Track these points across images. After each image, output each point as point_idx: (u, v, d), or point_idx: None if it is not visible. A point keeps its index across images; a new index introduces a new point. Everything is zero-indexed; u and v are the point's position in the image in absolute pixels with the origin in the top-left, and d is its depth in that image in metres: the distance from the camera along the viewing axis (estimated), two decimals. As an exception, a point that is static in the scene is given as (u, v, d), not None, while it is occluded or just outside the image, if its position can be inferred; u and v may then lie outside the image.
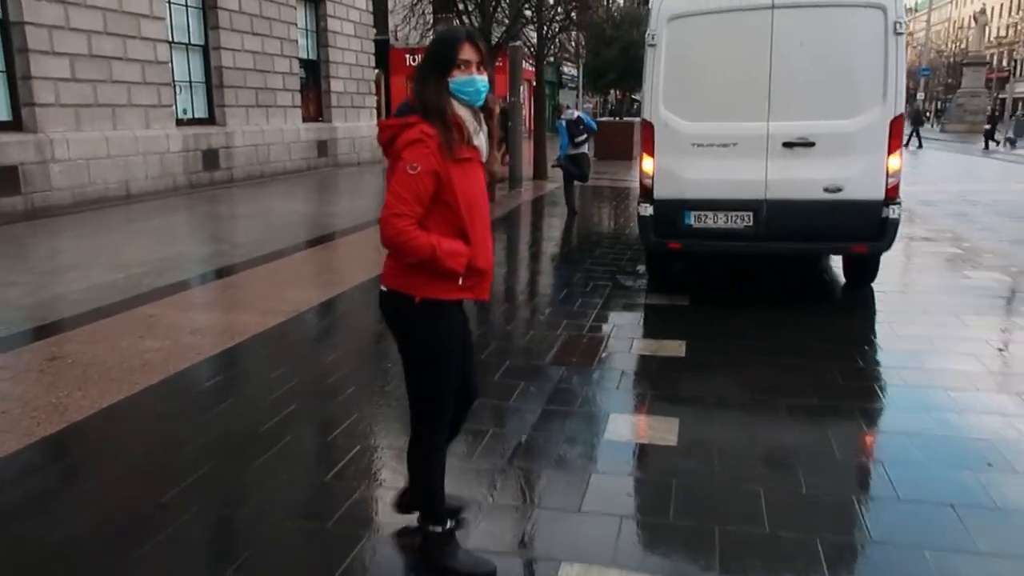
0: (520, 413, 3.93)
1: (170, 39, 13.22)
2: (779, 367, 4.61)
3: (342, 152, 19.09)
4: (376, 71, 28.28)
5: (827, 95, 5.71)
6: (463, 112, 2.29)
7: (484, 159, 2.40)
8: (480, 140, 2.35)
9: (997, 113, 33.95)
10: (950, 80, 61.67)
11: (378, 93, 30.53)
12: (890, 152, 5.70)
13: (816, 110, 5.74)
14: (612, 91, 38.10)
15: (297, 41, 17.17)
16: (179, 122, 13.54)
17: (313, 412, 3.93)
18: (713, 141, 5.93)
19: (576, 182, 11.28)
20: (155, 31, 12.60)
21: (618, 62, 27.86)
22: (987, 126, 29.49)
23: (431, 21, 13.26)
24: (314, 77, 18.44)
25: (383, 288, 2.40)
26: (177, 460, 3.34)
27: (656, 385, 4.41)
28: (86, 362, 4.61)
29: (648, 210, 6.19)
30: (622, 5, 32.66)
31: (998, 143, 28.78)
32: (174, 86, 13.44)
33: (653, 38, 6.01)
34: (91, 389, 4.18)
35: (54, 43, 10.57)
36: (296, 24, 17.11)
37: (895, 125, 5.67)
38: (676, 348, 5.02)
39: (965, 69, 47.39)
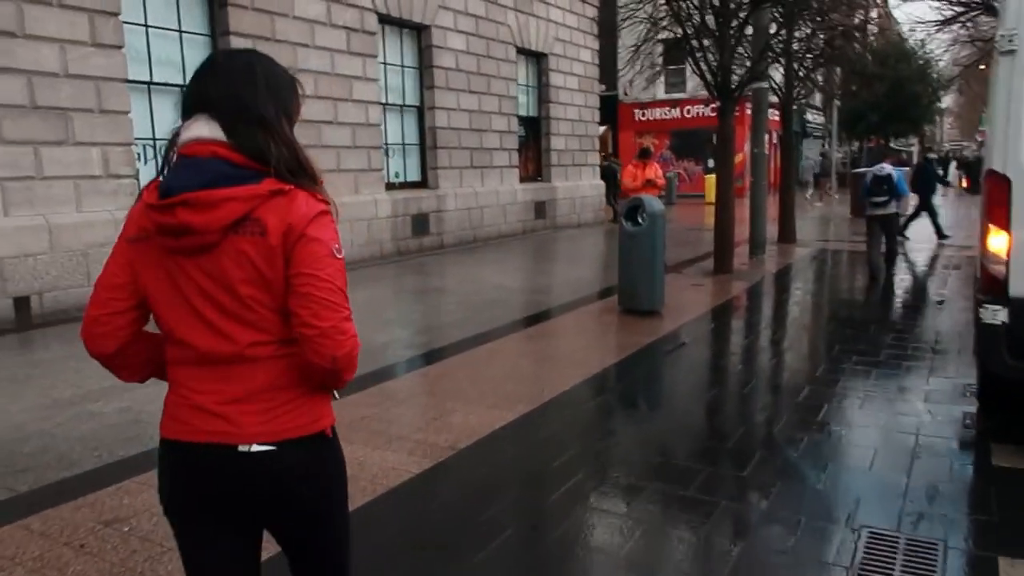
0: None
1: (383, 101, 12.72)
2: None
3: (561, 213, 17.81)
4: (604, 128, 27.21)
5: None
6: None
7: None
8: None
9: None
10: None
11: (604, 150, 29.47)
12: None
13: None
14: (866, 139, 33.85)
15: (516, 98, 16.28)
16: (389, 186, 12.95)
17: None
18: None
19: (884, 247, 9.86)
20: (368, 93, 12.12)
21: (884, 103, 24.04)
22: None
23: (659, 64, 11.55)
24: (534, 135, 17.45)
25: (267, 448, 1.53)
26: None
27: None
28: (143, 534, 3.27)
29: (997, 315, 3.83)
30: (873, 42, 28.70)
31: None
32: (385, 149, 12.90)
33: (1011, 40, 3.73)
34: (113, 598, 2.78)
35: (263, 109, 10.24)
36: (516, 80, 16.25)
37: None
38: (1099, 597, 2.66)
39: None
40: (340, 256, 1.54)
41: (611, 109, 29.00)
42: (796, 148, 19.21)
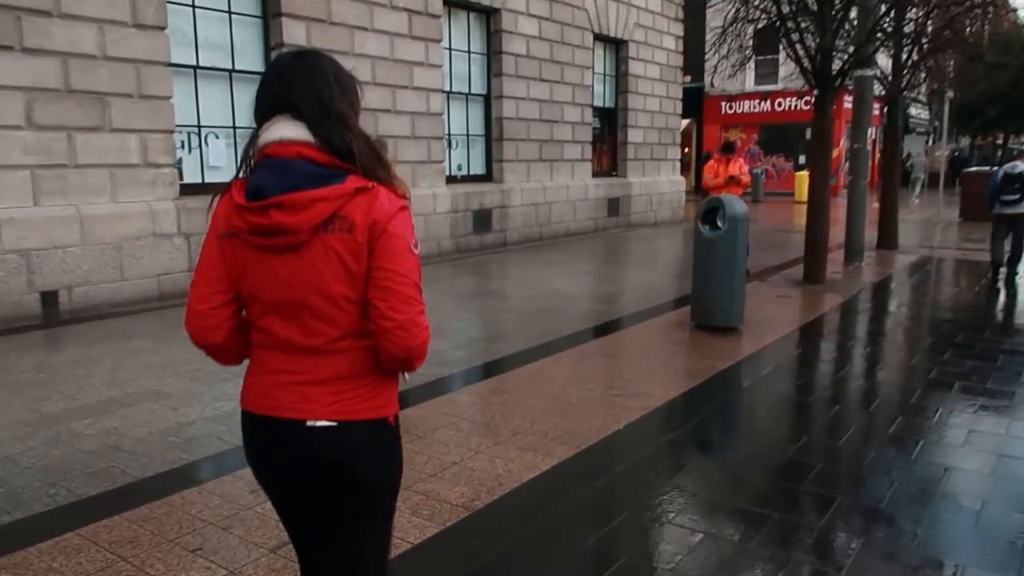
0: None
1: (447, 88, 11.99)
2: None
3: (636, 211, 16.75)
4: (688, 121, 25.90)
5: None
6: None
7: None
8: None
9: None
10: None
11: (688, 145, 28.09)
12: None
13: None
14: (980, 136, 31.13)
15: (591, 87, 15.31)
16: (450, 179, 12.22)
17: None
18: None
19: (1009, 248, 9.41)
20: (430, 80, 11.40)
21: (1006, 97, 21.68)
22: None
23: (748, 47, 10.38)
24: (609, 127, 16.43)
25: (331, 423, 1.63)
26: None
27: None
28: (54, 618, 2.57)
29: None
30: (988, 28, 26.01)
31: None
32: (448, 140, 12.18)
33: None
34: None
35: (315, 96, 9.65)
36: (592, 68, 15.27)
37: None
38: None
39: None
40: (417, 251, 1.61)
41: (696, 102, 27.61)
42: (899, 144, 17.52)
